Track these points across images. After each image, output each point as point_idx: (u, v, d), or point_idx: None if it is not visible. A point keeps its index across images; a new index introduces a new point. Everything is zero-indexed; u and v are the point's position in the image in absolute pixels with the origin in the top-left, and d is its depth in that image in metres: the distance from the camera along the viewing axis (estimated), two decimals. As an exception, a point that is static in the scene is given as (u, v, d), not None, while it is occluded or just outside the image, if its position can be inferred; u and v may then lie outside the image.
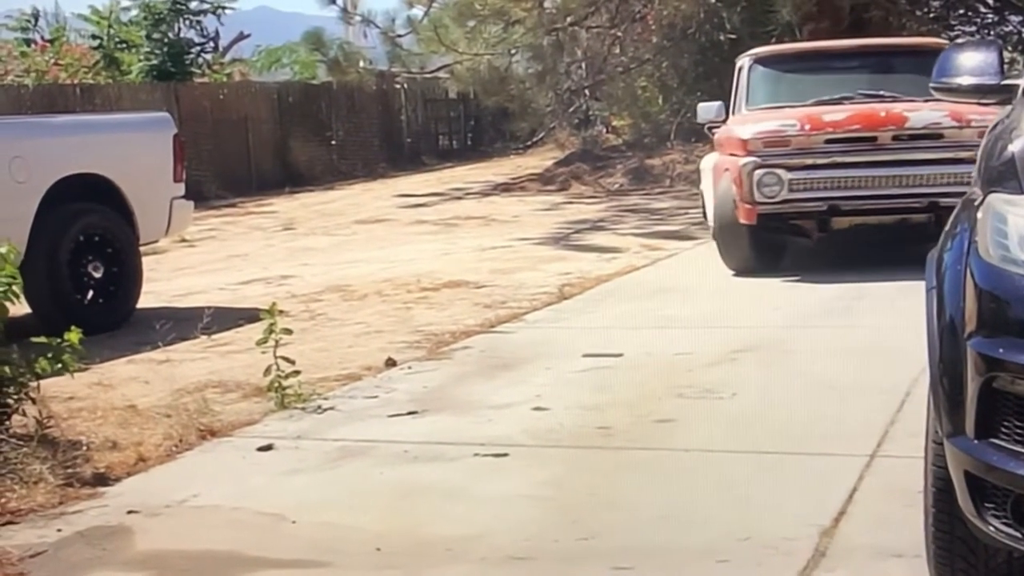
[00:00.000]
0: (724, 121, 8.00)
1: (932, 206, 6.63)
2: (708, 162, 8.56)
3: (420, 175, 18.84)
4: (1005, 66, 2.98)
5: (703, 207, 8.69)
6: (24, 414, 4.04)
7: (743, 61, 8.13)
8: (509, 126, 18.65)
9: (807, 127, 7.01)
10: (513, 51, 15.26)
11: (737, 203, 6.95)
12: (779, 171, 6.81)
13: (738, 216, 6.97)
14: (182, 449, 4.10)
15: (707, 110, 8.13)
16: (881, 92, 7.48)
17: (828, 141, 6.93)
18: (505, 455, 3.83)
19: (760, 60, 7.98)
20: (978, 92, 3.00)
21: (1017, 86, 2.76)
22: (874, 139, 6.91)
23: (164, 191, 7.17)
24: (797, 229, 7.15)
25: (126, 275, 6.82)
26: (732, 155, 7.21)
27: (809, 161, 6.87)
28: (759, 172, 6.82)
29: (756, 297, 6.62)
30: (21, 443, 3.88)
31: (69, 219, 6.50)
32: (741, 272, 7.20)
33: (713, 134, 8.29)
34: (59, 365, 4.13)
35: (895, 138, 6.89)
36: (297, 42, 20.47)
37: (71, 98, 16.00)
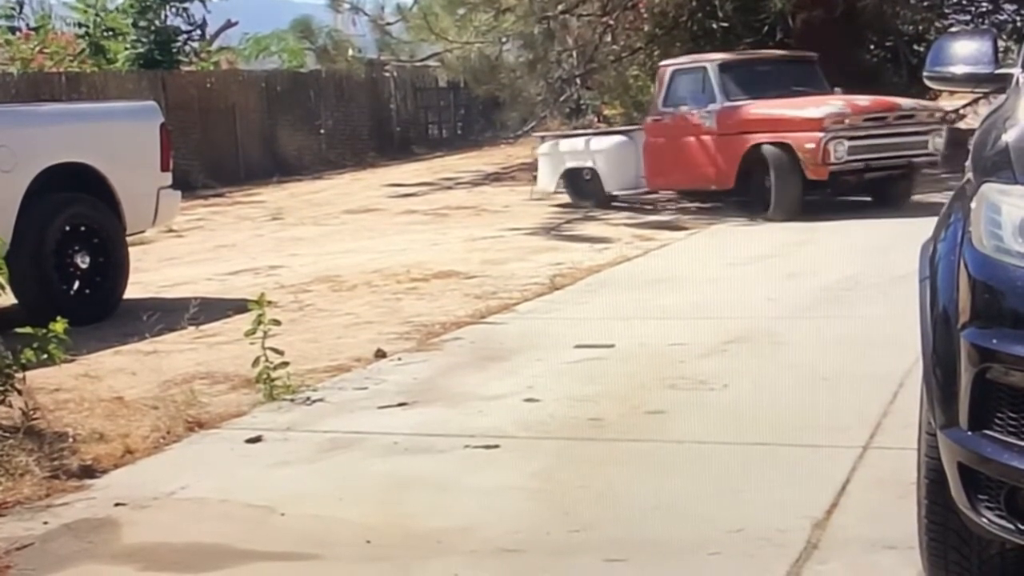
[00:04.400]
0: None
1: (909, 163, 9.86)
2: (561, 146, 11.71)
3: (410, 164, 18.78)
4: (999, 55, 2.95)
5: (554, 180, 11.66)
6: (10, 405, 4.01)
7: (706, 65, 10.69)
8: (500, 115, 18.59)
9: (853, 110, 9.73)
10: (504, 39, 15.19)
11: (808, 166, 9.47)
12: (844, 141, 9.43)
13: (807, 175, 9.51)
14: (170, 441, 4.07)
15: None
16: (803, 88, 10.52)
17: (865, 120, 9.65)
18: (496, 447, 3.81)
19: (722, 66, 10.66)
20: (972, 81, 2.98)
21: (1011, 75, 2.74)
22: (886, 118, 9.75)
23: (151, 180, 7.11)
24: (844, 184, 9.82)
25: (113, 265, 6.76)
26: (796, 131, 9.60)
27: (857, 134, 9.54)
28: (834, 142, 9.38)
29: (749, 287, 6.62)
30: (7, 435, 3.85)
31: (55, 209, 6.44)
32: (788, 219, 9.45)
33: (659, 120, 10.96)
34: (45, 356, 4.10)
35: (896, 118, 9.77)
36: (285, 30, 20.37)
37: (57, 86, 15.89)
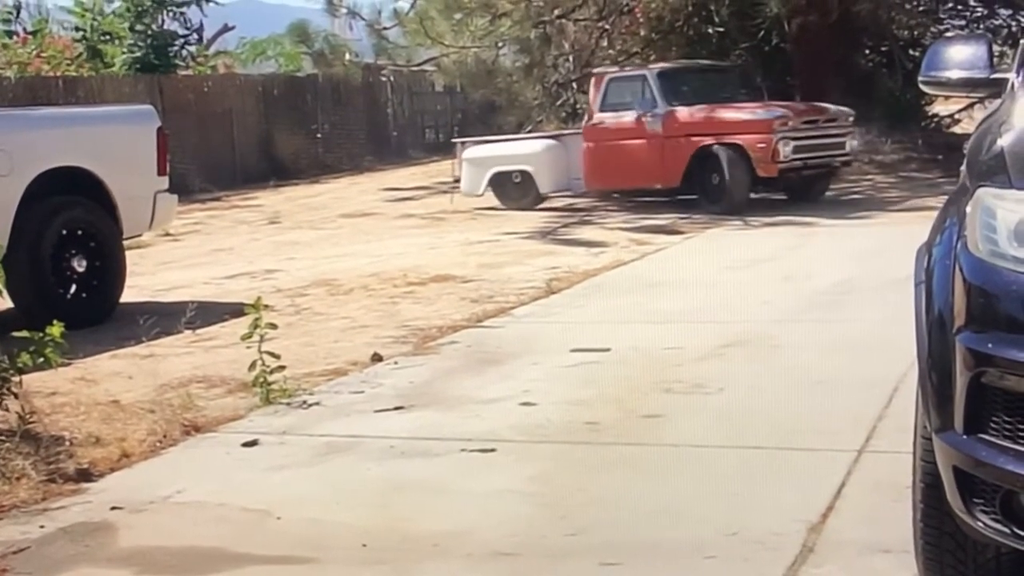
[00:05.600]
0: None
1: (829, 163, 11.15)
2: (488, 151, 12.30)
3: (407, 168, 18.77)
4: (995, 60, 2.96)
5: (482, 183, 12.19)
6: (6, 409, 4.00)
7: (645, 72, 11.61)
8: (496, 119, 18.61)
9: (794, 113, 11.05)
10: (500, 44, 15.20)
11: (760, 163, 10.52)
12: (790, 141, 10.56)
13: (758, 172, 10.59)
14: (166, 445, 4.07)
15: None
16: (726, 94, 11.62)
17: (803, 123, 10.92)
18: (492, 450, 3.81)
19: (661, 74, 11.53)
20: (967, 86, 2.99)
21: (1006, 80, 2.75)
22: (817, 121, 11.09)
23: (148, 184, 7.11)
24: (787, 180, 10.90)
25: (109, 269, 6.76)
26: (747, 133, 10.67)
27: (798, 135, 10.71)
28: (782, 142, 10.48)
29: (744, 291, 6.63)
30: (3, 439, 3.85)
31: (52, 212, 6.43)
32: (737, 214, 10.31)
33: (599, 125, 11.60)
34: (41, 360, 4.09)
35: (824, 121, 11.14)
36: (282, 34, 20.37)
37: (54, 90, 15.88)
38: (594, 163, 11.58)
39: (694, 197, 11.03)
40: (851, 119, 11.35)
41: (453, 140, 13.69)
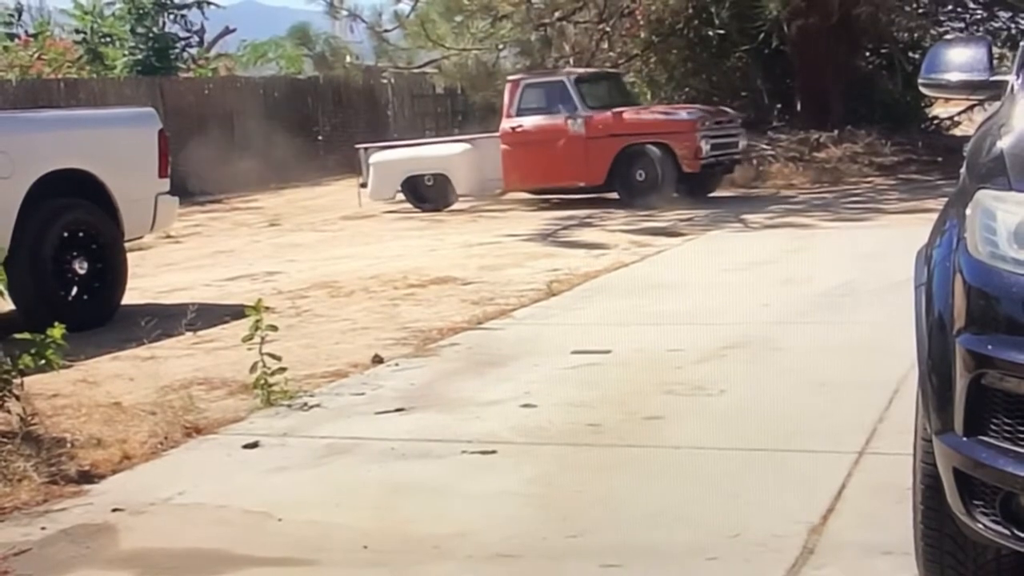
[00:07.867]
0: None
1: (729, 160, 12.27)
2: (398, 155, 12.89)
3: (407, 171, 18.74)
4: (994, 62, 2.97)
5: (393, 187, 12.75)
6: (8, 411, 4.01)
7: (561, 78, 12.39)
8: (496, 122, 18.60)
9: (708, 115, 12.14)
10: (500, 46, 15.24)
11: (685, 160, 11.54)
12: (710, 139, 11.73)
13: (684, 168, 11.56)
14: (167, 447, 4.07)
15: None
16: (624, 99, 12.79)
17: (714, 123, 12.03)
18: (493, 452, 3.82)
19: (578, 80, 12.37)
20: (967, 88, 2.99)
21: (1006, 82, 2.76)
22: (722, 122, 12.20)
23: (149, 187, 7.12)
24: (705, 175, 11.93)
25: (111, 271, 6.76)
26: (672, 132, 11.67)
27: (712, 134, 11.85)
28: (703, 140, 11.61)
29: (745, 293, 6.63)
30: (5, 440, 3.86)
31: (53, 215, 6.44)
32: (659, 208, 11.12)
33: (517, 128, 12.21)
34: (43, 362, 4.10)
35: (727, 122, 12.27)
36: (283, 37, 20.42)
37: (55, 93, 15.91)
38: (514, 164, 12.07)
39: (615, 196, 11.80)
40: (740, 121, 12.52)
41: (356, 146, 14.16)
